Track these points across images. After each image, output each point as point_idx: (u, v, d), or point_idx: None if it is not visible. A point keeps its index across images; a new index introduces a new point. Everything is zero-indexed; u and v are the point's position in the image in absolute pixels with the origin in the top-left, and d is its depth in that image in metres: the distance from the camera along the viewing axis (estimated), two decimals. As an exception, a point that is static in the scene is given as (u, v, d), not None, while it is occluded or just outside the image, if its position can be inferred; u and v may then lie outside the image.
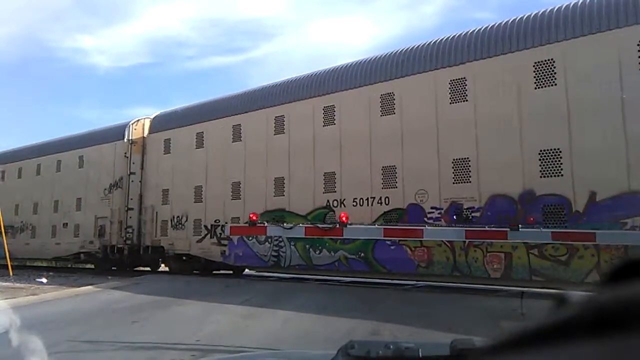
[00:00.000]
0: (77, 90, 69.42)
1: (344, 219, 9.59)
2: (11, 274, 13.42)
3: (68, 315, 7.66)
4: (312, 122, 11.59)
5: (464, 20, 53.49)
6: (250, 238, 11.91)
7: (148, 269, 15.76)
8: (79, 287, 11.35)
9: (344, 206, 10.71)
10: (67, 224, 17.48)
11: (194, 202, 13.74)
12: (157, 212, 14.75)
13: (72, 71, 64.61)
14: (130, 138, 15.83)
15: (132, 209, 15.44)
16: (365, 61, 11.36)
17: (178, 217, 14.09)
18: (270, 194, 12.06)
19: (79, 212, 17.14)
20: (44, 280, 13.06)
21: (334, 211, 10.85)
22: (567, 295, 0.45)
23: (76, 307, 8.75)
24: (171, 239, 14.07)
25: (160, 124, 15.63)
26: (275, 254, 11.68)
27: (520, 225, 8.02)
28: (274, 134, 12.29)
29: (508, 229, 8.09)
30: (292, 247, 11.38)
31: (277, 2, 53.72)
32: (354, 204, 10.65)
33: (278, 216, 11.50)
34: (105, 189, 16.26)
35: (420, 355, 1.08)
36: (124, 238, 15.23)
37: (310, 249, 11.09)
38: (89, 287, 11.21)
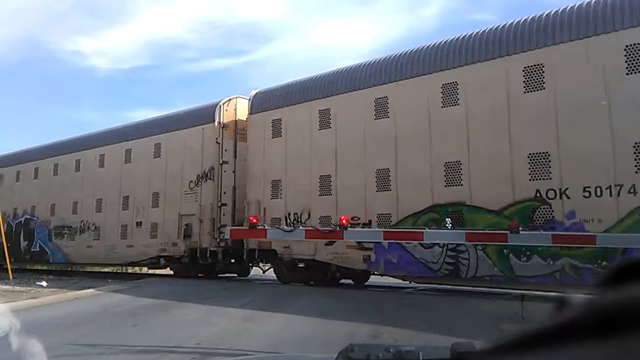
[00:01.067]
0: (78, 92, 69.59)
1: (344, 221, 9.57)
2: (11, 277, 13.42)
3: (68, 318, 7.64)
4: (505, 86, 8.87)
5: (464, 22, 53.66)
6: (409, 241, 9.47)
7: (234, 275, 14.07)
8: (79, 290, 11.33)
9: (567, 197, 8.05)
10: (141, 223, 14.79)
11: (319, 195, 10.97)
12: (264, 209, 11.85)
13: (72, 73, 64.76)
14: (221, 120, 13.44)
15: (225, 204, 13.03)
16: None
17: (296, 214, 11.28)
18: (439, 183, 9.35)
19: (157, 209, 14.43)
20: (44, 283, 13.04)
21: (549, 204, 8.20)
22: (567, 297, 0.45)
23: (76, 310, 8.74)
24: (287, 241, 11.06)
25: (264, 102, 12.68)
26: (452, 261, 9.12)
27: (520, 228, 8.00)
28: (442, 106, 9.51)
29: (508, 232, 8.07)
30: (479, 252, 8.80)
31: (277, 5, 53.87)
32: (585, 194, 7.87)
33: (455, 212, 9.09)
34: (191, 182, 13.66)
35: (421, 358, 1.08)
36: (218, 239, 12.85)
37: (511, 255, 8.46)
38: (89, 290, 11.19)
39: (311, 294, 9.82)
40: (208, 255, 12.96)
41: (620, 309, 0.36)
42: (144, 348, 5.44)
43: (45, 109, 67.24)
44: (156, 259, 14.30)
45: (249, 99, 13.13)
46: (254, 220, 10.22)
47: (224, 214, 13.01)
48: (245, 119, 13.23)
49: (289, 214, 11.42)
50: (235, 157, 13.44)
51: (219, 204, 13.02)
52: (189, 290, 10.78)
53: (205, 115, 13.89)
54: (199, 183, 13.56)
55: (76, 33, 58.23)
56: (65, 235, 17.47)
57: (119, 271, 17.66)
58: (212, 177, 13.34)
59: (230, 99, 13.90)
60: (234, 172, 13.34)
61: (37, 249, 18.57)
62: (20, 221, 19.43)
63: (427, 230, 8.94)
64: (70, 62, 62.49)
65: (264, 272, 12.91)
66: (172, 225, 13.88)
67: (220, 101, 13.79)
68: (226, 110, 13.69)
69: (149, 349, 5.36)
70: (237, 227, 11.78)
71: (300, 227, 10.09)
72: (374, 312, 7.43)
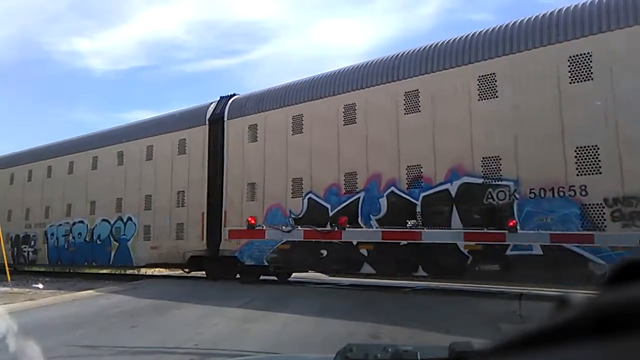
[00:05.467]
0: (74, 93, 69.33)
1: (342, 222, 9.56)
2: (9, 279, 13.39)
3: (66, 320, 7.63)
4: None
5: (460, 22, 53.71)
6: None
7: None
8: (77, 291, 11.31)
9: None
10: None
11: None
12: None
13: (69, 74, 64.57)
14: None
15: None
16: None
17: None
18: None
19: None
20: (40, 285, 12.99)
21: None
22: (568, 297, 0.45)
23: (74, 311, 8.72)
24: None
25: None
26: None
27: (518, 227, 8.00)
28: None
29: (506, 231, 8.07)
30: None
31: (273, 5, 53.86)
32: None
33: None
34: None
35: (419, 358, 1.08)
36: None
37: None
38: (87, 291, 11.17)
39: (309, 294, 9.82)
40: None
41: (620, 309, 0.36)
42: (142, 349, 5.43)
43: (42, 110, 67.07)
44: None
45: None
46: (252, 222, 10.11)
47: None
48: None
49: None
50: None
51: None
52: (188, 291, 10.76)
53: None
54: None
55: (72, 34, 58.17)
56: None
57: (116, 272, 17.53)
58: None
59: None
60: None
61: None
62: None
63: (425, 230, 8.94)
64: (66, 63, 62.40)
65: None
66: None
67: None
68: None
69: (148, 350, 5.35)
70: (234, 228, 11.66)
71: (299, 228, 10.02)
72: (372, 312, 7.43)
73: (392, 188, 9.86)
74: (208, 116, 13.55)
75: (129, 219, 14.76)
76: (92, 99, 71.17)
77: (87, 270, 17.75)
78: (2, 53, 54.31)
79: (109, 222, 15.34)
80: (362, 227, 9.93)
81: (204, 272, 13.31)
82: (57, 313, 8.45)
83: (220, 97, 13.82)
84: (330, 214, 10.56)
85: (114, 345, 5.66)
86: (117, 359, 5.18)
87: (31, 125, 63.61)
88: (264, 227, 10.21)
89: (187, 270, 13.65)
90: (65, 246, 16.73)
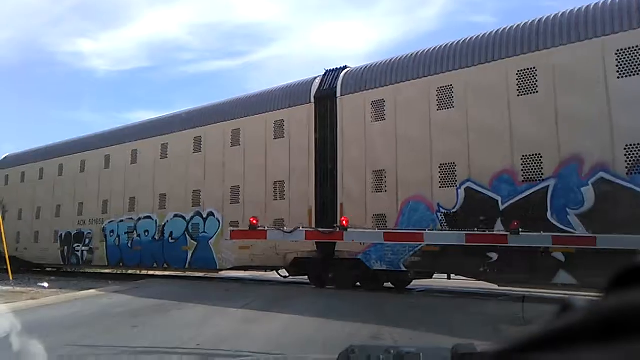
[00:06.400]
0: (77, 94, 69.38)
1: (344, 222, 9.50)
2: (11, 278, 13.42)
3: (68, 319, 7.64)
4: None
5: (462, 24, 53.59)
6: None
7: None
8: (80, 291, 11.32)
9: None
10: None
11: None
12: None
13: (72, 75, 64.63)
14: None
15: None
16: None
17: None
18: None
19: None
20: (46, 284, 13.01)
21: None
22: (571, 300, 0.45)
23: (76, 311, 8.73)
24: None
25: None
26: None
27: (521, 230, 7.95)
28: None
29: (508, 233, 8.02)
30: None
31: (275, 7, 53.89)
32: None
33: None
34: None
35: (422, 360, 1.08)
36: None
37: None
38: (90, 291, 11.18)
39: (311, 295, 9.81)
40: None
41: (624, 313, 0.36)
42: (144, 349, 5.43)
43: (45, 111, 67.16)
44: None
45: None
46: (254, 222, 9.96)
47: None
48: None
49: None
50: None
51: None
52: (189, 291, 10.77)
53: None
54: None
55: (75, 35, 58.16)
56: None
57: (118, 272, 17.51)
58: None
59: None
60: None
61: None
62: None
63: (427, 231, 8.90)
64: (69, 64, 62.46)
65: None
66: None
67: None
68: None
69: (149, 350, 5.35)
70: (237, 229, 11.54)
71: (301, 229, 9.87)
72: (375, 313, 7.42)
73: (602, 174, 7.66)
74: (313, 93, 11.50)
75: (211, 214, 12.73)
76: (95, 99, 71.23)
77: (88, 270, 17.67)
78: (6, 54, 54.42)
79: (184, 218, 13.28)
80: (554, 225, 7.97)
81: (307, 278, 11.31)
82: (59, 312, 8.46)
83: (326, 71, 11.81)
84: (502, 207, 8.46)
85: (116, 345, 5.66)
86: (118, 359, 5.19)
87: (34, 126, 63.68)
88: (266, 228, 10.00)
89: (285, 275, 11.51)
90: (129, 245, 14.64)
